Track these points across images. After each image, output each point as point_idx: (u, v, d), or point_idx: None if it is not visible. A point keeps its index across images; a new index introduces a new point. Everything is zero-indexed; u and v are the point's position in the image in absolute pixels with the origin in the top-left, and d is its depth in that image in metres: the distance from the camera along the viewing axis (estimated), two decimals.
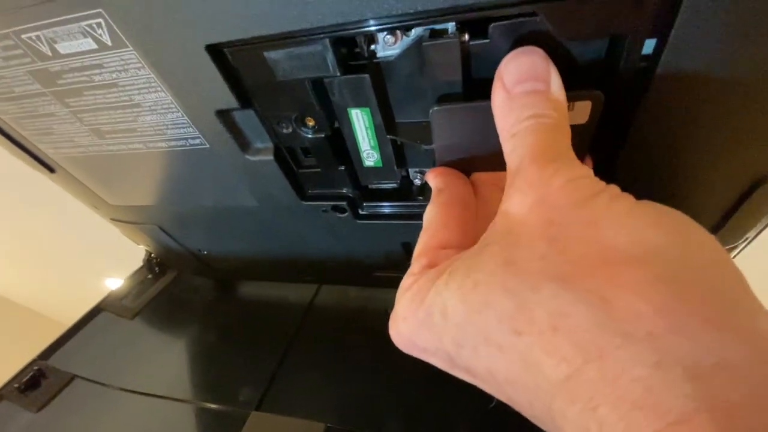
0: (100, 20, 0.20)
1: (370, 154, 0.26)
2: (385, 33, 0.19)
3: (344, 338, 0.40)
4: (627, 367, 0.10)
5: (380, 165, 0.26)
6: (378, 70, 0.21)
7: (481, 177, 0.22)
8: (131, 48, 0.21)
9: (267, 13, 0.18)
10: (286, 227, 0.35)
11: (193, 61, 0.21)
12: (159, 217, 0.38)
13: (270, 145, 0.26)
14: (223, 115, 0.24)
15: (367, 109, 0.23)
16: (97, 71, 0.23)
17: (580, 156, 0.15)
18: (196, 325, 0.44)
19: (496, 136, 0.17)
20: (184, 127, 0.26)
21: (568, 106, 0.17)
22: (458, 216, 0.19)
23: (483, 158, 0.20)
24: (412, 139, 0.24)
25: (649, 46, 0.17)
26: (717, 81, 0.17)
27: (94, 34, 0.21)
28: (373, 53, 0.20)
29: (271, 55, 0.20)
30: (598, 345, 0.10)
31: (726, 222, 0.25)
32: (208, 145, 0.27)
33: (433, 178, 0.21)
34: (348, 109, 0.23)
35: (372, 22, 0.18)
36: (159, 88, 0.23)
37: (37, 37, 0.22)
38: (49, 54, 0.23)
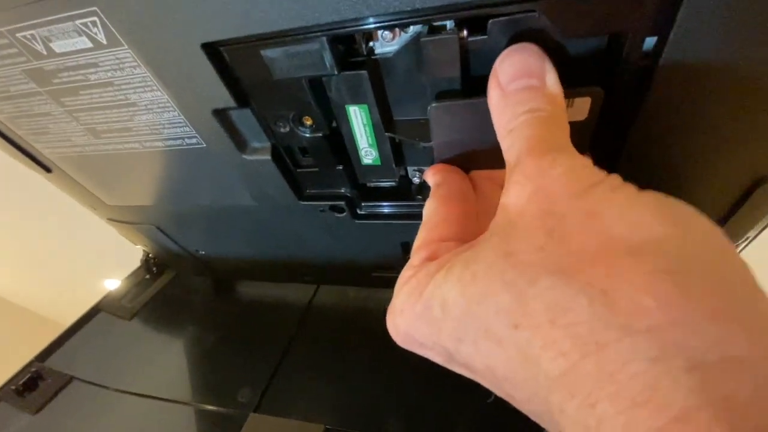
0: (95, 18, 0.20)
1: (368, 152, 0.26)
2: (383, 30, 0.19)
3: (343, 339, 0.40)
4: (626, 362, 0.10)
5: (379, 163, 0.26)
6: (376, 66, 0.20)
7: (480, 174, 0.22)
8: (126, 46, 0.21)
9: (263, 10, 0.18)
10: (284, 227, 0.34)
11: (188, 59, 0.21)
12: (156, 217, 0.38)
13: (267, 144, 0.26)
14: (220, 114, 0.24)
15: (365, 106, 0.23)
16: (92, 70, 0.23)
17: (581, 152, 0.15)
18: (195, 326, 0.44)
19: (494, 133, 0.17)
20: (180, 127, 0.25)
21: (568, 103, 0.17)
22: (457, 210, 0.19)
23: (482, 155, 0.20)
24: (411, 137, 0.23)
25: (649, 43, 0.17)
26: (718, 79, 0.16)
27: (89, 32, 0.21)
28: (371, 50, 0.20)
29: (268, 53, 0.20)
30: (596, 339, 0.10)
31: (726, 221, 0.25)
32: (204, 145, 0.26)
33: (431, 175, 0.21)
34: (346, 106, 0.23)
35: (370, 20, 0.18)
36: (155, 87, 0.23)
37: (32, 35, 0.22)
38: (44, 53, 0.22)
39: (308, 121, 0.24)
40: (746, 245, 0.30)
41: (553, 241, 0.12)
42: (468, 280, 0.13)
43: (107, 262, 1.15)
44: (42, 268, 1.45)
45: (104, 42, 0.21)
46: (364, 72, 0.20)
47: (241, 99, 0.23)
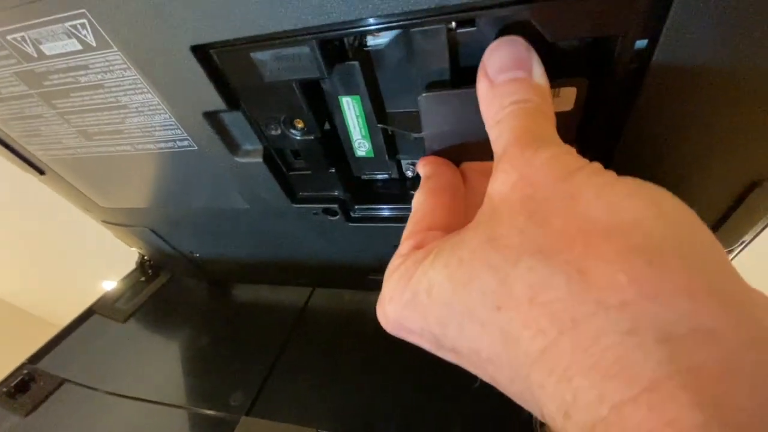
0: (84, 21, 0.20)
1: (361, 144, 0.26)
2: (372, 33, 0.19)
3: (337, 342, 0.40)
4: (599, 336, 0.10)
5: (372, 155, 0.26)
6: (368, 58, 0.21)
7: (471, 166, 0.22)
8: (116, 49, 0.21)
9: (252, 13, 0.18)
10: (277, 230, 0.34)
11: (178, 62, 0.20)
12: (150, 219, 0.38)
13: (259, 147, 0.26)
14: (211, 117, 0.24)
15: (357, 97, 0.23)
16: (82, 72, 0.23)
17: (567, 142, 0.15)
18: (188, 329, 0.44)
19: (483, 124, 0.17)
20: (171, 129, 0.25)
21: (554, 93, 0.17)
22: (445, 201, 0.19)
23: (472, 147, 0.20)
24: (403, 128, 0.24)
25: (640, 45, 0.17)
26: (709, 81, 0.16)
27: (79, 34, 0.20)
28: (363, 42, 0.20)
29: (258, 56, 0.20)
30: (572, 315, 0.10)
31: (722, 224, 0.25)
32: (196, 147, 0.26)
33: (422, 166, 0.21)
34: (339, 97, 0.23)
35: (359, 22, 0.18)
36: (145, 90, 0.23)
37: (22, 38, 0.22)
38: (35, 55, 0.22)
39: (299, 124, 0.24)
40: (742, 249, 0.30)
41: (533, 223, 0.12)
42: (454, 265, 0.13)
43: (106, 263, 1.15)
44: (40, 269, 1.45)
45: (93, 44, 0.21)
46: (355, 63, 0.21)
47: (232, 102, 0.23)
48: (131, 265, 0.51)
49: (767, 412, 0.08)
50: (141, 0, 0.18)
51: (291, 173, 0.28)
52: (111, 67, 0.22)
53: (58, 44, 0.21)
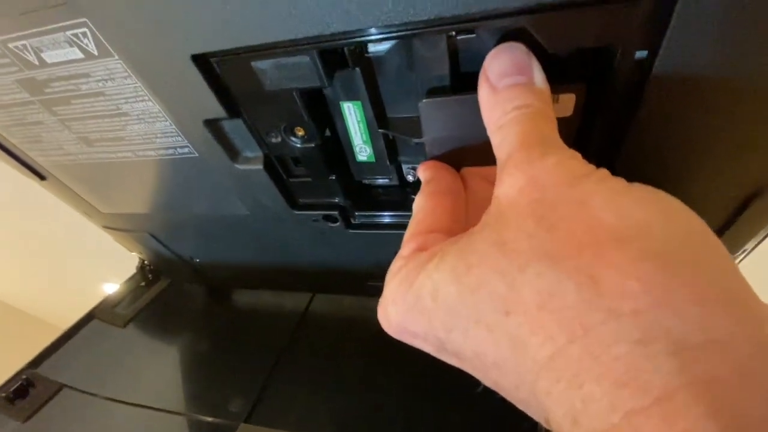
0: (85, 29, 0.20)
1: (362, 149, 0.26)
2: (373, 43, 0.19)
3: (337, 348, 0.40)
4: (610, 344, 0.10)
5: (373, 160, 0.27)
6: (368, 64, 0.21)
7: (471, 172, 0.22)
8: (117, 57, 0.21)
9: (253, 23, 0.18)
10: (277, 236, 0.34)
11: (179, 70, 0.20)
12: (151, 225, 0.38)
13: (259, 154, 0.26)
14: (211, 124, 0.24)
15: (359, 103, 0.23)
16: (83, 80, 0.23)
17: None
18: (188, 334, 0.44)
19: (484, 129, 0.17)
20: (172, 136, 0.25)
21: (553, 99, 0.17)
22: (446, 204, 0.19)
23: (472, 152, 0.20)
24: (403, 134, 0.24)
25: (640, 56, 0.17)
26: (710, 92, 0.16)
27: (80, 43, 0.21)
28: (364, 48, 0.20)
29: (259, 65, 0.20)
30: (582, 322, 0.10)
31: (724, 233, 0.25)
32: (197, 154, 0.26)
33: (422, 171, 0.21)
34: (340, 103, 0.23)
35: (359, 33, 0.18)
36: (146, 98, 0.23)
37: (24, 46, 0.22)
38: (36, 63, 0.22)
39: (300, 132, 0.24)
40: (744, 257, 0.30)
41: (542, 228, 0.12)
42: (462, 270, 0.13)
43: (106, 266, 1.15)
44: (39, 270, 1.45)
45: (95, 53, 0.21)
46: (356, 69, 0.21)
47: (232, 110, 0.23)
48: (131, 267, 0.51)
49: None
50: (142, 9, 0.18)
51: (291, 180, 0.28)
52: (112, 76, 0.22)
53: (59, 52, 0.21)
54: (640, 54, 0.17)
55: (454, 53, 0.19)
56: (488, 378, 0.13)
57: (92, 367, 0.41)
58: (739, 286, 0.11)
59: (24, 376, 0.39)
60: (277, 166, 0.27)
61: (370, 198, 0.30)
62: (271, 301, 0.45)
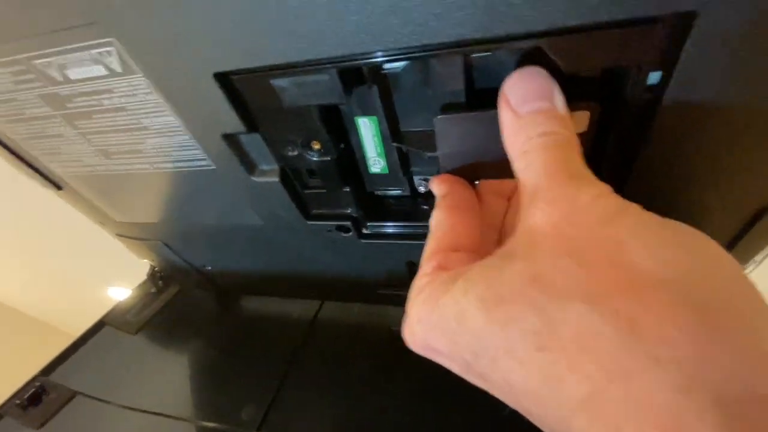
0: (111, 48, 0.20)
1: (376, 161, 0.26)
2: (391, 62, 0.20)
3: (348, 355, 0.40)
4: (654, 391, 0.10)
5: (386, 172, 0.27)
6: (384, 80, 0.21)
7: (484, 186, 0.22)
8: (141, 74, 0.21)
9: (275, 43, 0.18)
10: (290, 245, 0.35)
11: (201, 87, 0.21)
12: (164, 233, 0.38)
13: (276, 167, 0.27)
14: (230, 138, 0.24)
15: (374, 118, 0.23)
16: (106, 96, 0.23)
17: None
18: (199, 341, 0.44)
19: (498, 144, 0.18)
20: (190, 149, 0.26)
21: None
22: (465, 219, 0.19)
23: (485, 166, 0.21)
24: (417, 147, 0.24)
25: (654, 77, 0.17)
26: (722, 113, 0.17)
27: (105, 61, 0.21)
28: (380, 65, 0.21)
29: (278, 82, 0.20)
30: (623, 366, 0.10)
31: (733, 247, 0.25)
32: (214, 167, 0.27)
33: (436, 185, 0.21)
34: (355, 118, 0.24)
35: (378, 53, 0.18)
36: (167, 113, 0.23)
37: (48, 63, 0.22)
38: (60, 79, 0.23)
39: (316, 146, 0.25)
40: (753, 269, 0.30)
41: (579, 267, 0.12)
42: (492, 301, 0.13)
43: (112, 269, 1.15)
44: (46, 275, 1.46)
45: (119, 70, 0.21)
46: (374, 86, 0.21)
47: (251, 124, 0.23)
48: (137, 271, 0.52)
49: None
50: (169, 29, 0.19)
51: (306, 191, 0.29)
52: (135, 92, 0.23)
53: (83, 70, 0.22)
54: (654, 74, 0.17)
55: (469, 70, 0.19)
56: (517, 404, 0.13)
57: (105, 374, 0.41)
58: None
59: (37, 383, 0.39)
60: (292, 178, 0.27)
61: (382, 208, 0.31)
62: (281, 308, 0.46)
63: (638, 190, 0.21)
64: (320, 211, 0.30)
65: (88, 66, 0.22)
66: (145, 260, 0.49)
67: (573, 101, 0.17)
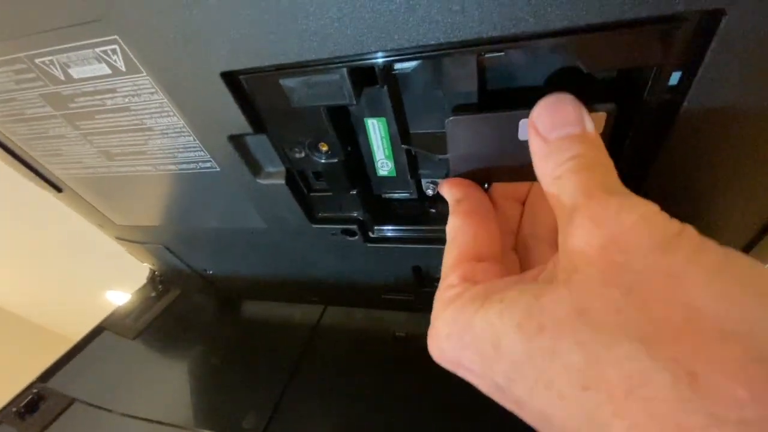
0: (115, 46, 0.20)
1: (384, 164, 0.26)
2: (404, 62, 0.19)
3: (351, 361, 0.39)
4: None
5: (394, 174, 0.26)
6: (395, 81, 0.21)
7: (496, 189, 0.21)
8: (145, 74, 0.21)
9: (285, 42, 0.18)
10: (294, 249, 0.34)
11: (207, 87, 0.20)
12: (165, 237, 0.38)
13: (281, 169, 0.26)
14: (236, 140, 0.24)
15: (383, 119, 0.23)
16: (109, 95, 0.23)
17: None
18: (200, 347, 0.43)
19: (510, 146, 0.17)
20: (195, 151, 0.25)
21: None
22: (484, 226, 0.18)
23: (497, 169, 0.20)
24: (427, 150, 0.24)
25: (676, 77, 0.17)
26: (748, 117, 0.16)
27: (109, 59, 0.21)
28: (391, 65, 0.20)
29: (287, 82, 0.20)
30: (678, 421, 0.10)
31: (749, 250, 0.25)
32: (218, 169, 0.26)
33: (447, 189, 0.21)
34: (364, 119, 0.23)
35: (392, 53, 0.18)
36: (171, 113, 0.23)
37: (51, 61, 0.22)
38: (62, 78, 0.22)
39: (324, 147, 0.24)
40: None
41: (631, 303, 0.11)
42: (533, 331, 0.12)
43: (111, 274, 1.14)
44: (44, 279, 1.45)
45: (123, 69, 0.21)
46: (383, 87, 0.21)
47: (258, 125, 0.23)
48: (136, 275, 0.51)
49: None
50: (174, 27, 0.18)
51: (311, 194, 0.28)
52: (139, 91, 0.22)
53: (86, 68, 0.21)
54: (677, 75, 0.17)
55: (482, 71, 0.19)
56: None
57: (103, 380, 0.40)
58: None
59: (35, 390, 0.38)
60: (298, 180, 0.27)
61: (388, 212, 0.30)
62: (283, 313, 0.45)
63: (654, 194, 0.21)
64: (326, 214, 0.30)
65: (91, 65, 0.21)
66: (146, 264, 0.48)
67: (589, 102, 0.17)
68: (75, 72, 0.22)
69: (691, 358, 0.10)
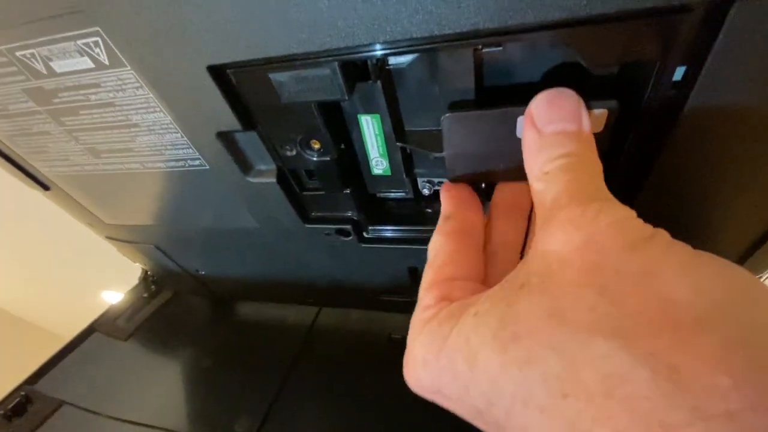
0: (97, 39, 0.19)
1: (379, 162, 0.25)
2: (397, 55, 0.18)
3: (346, 363, 0.38)
4: None
5: (389, 173, 0.26)
6: (389, 76, 0.20)
7: (500, 202, 0.20)
8: (129, 67, 0.20)
9: (273, 34, 0.17)
10: (287, 250, 0.33)
11: (193, 81, 0.20)
12: (156, 236, 0.37)
13: (273, 167, 0.25)
14: (225, 136, 0.23)
15: (377, 116, 0.22)
16: (93, 90, 0.22)
17: None
18: (192, 349, 0.43)
19: (508, 144, 0.17)
20: (183, 148, 0.24)
21: None
22: (465, 247, 0.18)
23: (494, 167, 0.20)
24: (422, 147, 0.23)
25: (680, 72, 0.16)
26: (756, 115, 0.15)
27: (91, 52, 0.20)
28: (385, 60, 0.20)
29: (277, 77, 0.19)
30: (662, 420, 0.09)
31: (750, 256, 0.24)
32: (207, 167, 0.25)
33: (444, 198, 0.20)
34: (358, 116, 0.23)
35: (383, 45, 0.17)
36: (158, 109, 0.22)
37: (32, 54, 0.21)
38: (44, 72, 0.22)
39: (316, 145, 0.23)
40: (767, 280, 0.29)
41: (605, 300, 0.11)
42: (506, 339, 0.12)
43: (106, 274, 1.13)
44: (39, 278, 1.44)
45: (106, 62, 0.20)
46: (377, 82, 0.20)
47: (247, 122, 0.22)
48: (132, 275, 0.50)
49: None
50: (158, 19, 0.17)
51: (304, 193, 0.27)
52: (123, 86, 0.21)
53: (69, 62, 0.21)
54: (681, 70, 0.16)
55: (479, 66, 0.18)
56: None
57: (93, 383, 0.39)
58: None
59: (22, 393, 0.38)
60: (290, 179, 0.26)
61: (383, 212, 0.29)
62: (277, 314, 0.44)
63: (656, 194, 0.20)
64: (319, 213, 0.29)
65: (74, 58, 0.20)
66: (138, 264, 0.47)
67: (590, 99, 0.16)
68: (57, 66, 0.21)
69: (670, 351, 0.10)
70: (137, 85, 0.21)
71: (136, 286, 0.49)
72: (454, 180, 0.21)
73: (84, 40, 0.19)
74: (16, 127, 0.27)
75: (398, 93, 0.21)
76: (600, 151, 0.19)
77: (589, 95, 0.16)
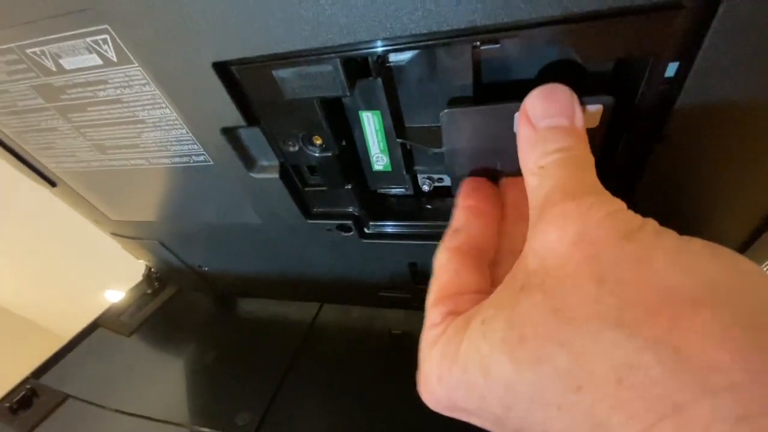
0: (106, 36, 0.20)
1: (379, 158, 0.26)
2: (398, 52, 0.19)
3: (347, 359, 0.39)
4: (709, 423, 0.09)
5: (389, 169, 0.26)
6: (389, 74, 0.21)
7: (513, 212, 0.20)
8: (136, 64, 0.21)
9: (277, 31, 0.17)
10: (289, 245, 0.34)
11: (199, 78, 0.20)
12: (160, 232, 0.38)
13: (275, 163, 0.26)
14: (229, 132, 0.24)
15: (378, 112, 0.23)
16: (101, 87, 0.23)
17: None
18: (195, 344, 0.43)
19: (506, 140, 0.17)
20: (188, 144, 0.25)
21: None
22: (472, 262, 0.17)
23: (492, 162, 0.20)
24: (422, 143, 0.23)
25: (673, 68, 0.16)
26: (748, 110, 0.16)
27: (100, 50, 0.20)
28: (385, 58, 0.20)
29: (280, 73, 0.20)
30: (673, 399, 0.09)
31: (750, 246, 0.24)
32: (212, 162, 0.26)
33: (458, 209, 0.19)
34: (359, 112, 0.23)
35: (385, 42, 0.17)
36: (164, 105, 0.23)
37: (42, 52, 0.21)
38: (54, 69, 0.22)
39: (318, 141, 0.24)
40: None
41: (605, 291, 0.11)
42: (514, 342, 0.12)
43: (108, 273, 1.14)
44: (42, 277, 1.45)
45: (114, 60, 0.21)
46: (378, 79, 0.21)
47: (251, 118, 0.22)
48: (134, 274, 0.51)
49: None
50: (165, 17, 0.18)
51: (306, 189, 0.28)
52: (130, 83, 0.22)
53: (77, 59, 0.21)
54: (674, 66, 0.16)
55: (477, 63, 0.19)
56: None
57: (97, 377, 0.40)
58: None
59: (28, 386, 0.38)
60: (292, 175, 0.27)
61: (384, 207, 0.30)
62: (279, 311, 0.45)
63: (650, 188, 0.21)
64: (321, 209, 0.30)
65: (83, 55, 0.21)
66: (142, 261, 0.48)
67: (586, 94, 0.16)
68: (66, 63, 0.22)
69: (671, 333, 0.10)
70: (144, 81, 0.21)
71: (140, 283, 0.50)
72: (456, 176, 0.21)
73: (93, 38, 0.20)
74: (24, 124, 0.27)
75: (398, 90, 0.22)
76: (595, 146, 0.19)
77: (585, 91, 0.16)
